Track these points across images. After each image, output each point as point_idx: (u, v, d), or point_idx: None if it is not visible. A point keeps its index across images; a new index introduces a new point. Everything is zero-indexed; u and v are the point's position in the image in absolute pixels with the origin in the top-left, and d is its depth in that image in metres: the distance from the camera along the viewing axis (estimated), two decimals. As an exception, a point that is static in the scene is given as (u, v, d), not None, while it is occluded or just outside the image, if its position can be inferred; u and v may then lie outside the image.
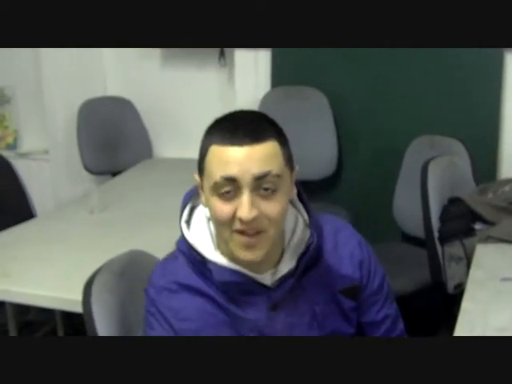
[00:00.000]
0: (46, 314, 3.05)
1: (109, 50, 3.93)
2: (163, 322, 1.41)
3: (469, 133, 3.17)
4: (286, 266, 1.40)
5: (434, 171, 2.57)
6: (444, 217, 2.50)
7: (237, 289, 1.38)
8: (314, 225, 1.43)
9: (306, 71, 3.51)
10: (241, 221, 1.28)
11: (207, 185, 1.33)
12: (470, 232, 2.41)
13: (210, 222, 1.42)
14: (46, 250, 2.42)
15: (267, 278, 1.40)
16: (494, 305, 1.85)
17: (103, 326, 1.56)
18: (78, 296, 2.05)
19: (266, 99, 3.56)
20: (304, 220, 1.45)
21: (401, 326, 1.59)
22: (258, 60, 3.64)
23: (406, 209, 3.13)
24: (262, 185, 1.29)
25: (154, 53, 3.88)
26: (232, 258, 1.38)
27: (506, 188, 2.58)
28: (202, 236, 1.42)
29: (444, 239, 2.46)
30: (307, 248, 1.40)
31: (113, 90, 4.06)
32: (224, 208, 1.30)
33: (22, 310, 2.81)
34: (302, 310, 1.43)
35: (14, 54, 3.83)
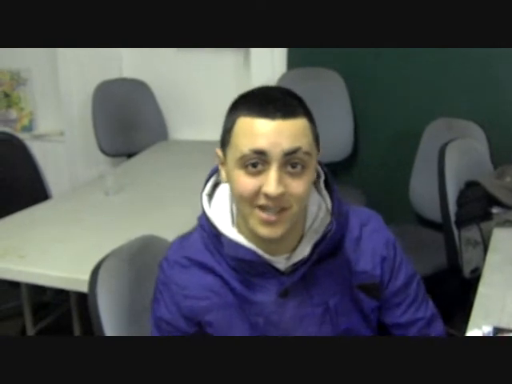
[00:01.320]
0: (61, 295, 3.06)
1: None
2: (169, 297, 1.40)
3: (487, 116, 3.14)
4: (302, 252, 1.35)
5: (452, 154, 2.55)
6: (461, 200, 2.48)
7: (248, 268, 1.34)
8: (336, 213, 1.36)
9: (322, 52, 3.48)
10: (266, 196, 1.23)
11: (232, 158, 1.27)
12: (487, 216, 2.39)
13: (228, 201, 1.40)
14: (61, 231, 2.43)
15: (281, 262, 1.35)
16: (510, 290, 1.83)
17: (107, 313, 1.55)
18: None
19: (281, 81, 3.54)
20: (327, 207, 1.39)
21: (438, 329, 1.50)
22: (274, 42, 3.62)
23: (422, 192, 3.12)
24: (290, 161, 1.24)
25: (170, 34, 3.86)
26: (249, 236, 1.34)
27: (525, 172, 2.55)
28: (221, 211, 1.39)
29: (461, 223, 2.44)
30: (324, 235, 1.34)
31: (128, 71, 4.06)
32: (249, 182, 1.25)
33: (38, 291, 2.82)
34: (315, 301, 1.37)
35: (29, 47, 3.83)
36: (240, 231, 1.36)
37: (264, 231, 1.27)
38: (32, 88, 4.18)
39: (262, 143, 1.22)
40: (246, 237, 1.35)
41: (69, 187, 3.81)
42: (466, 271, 2.39)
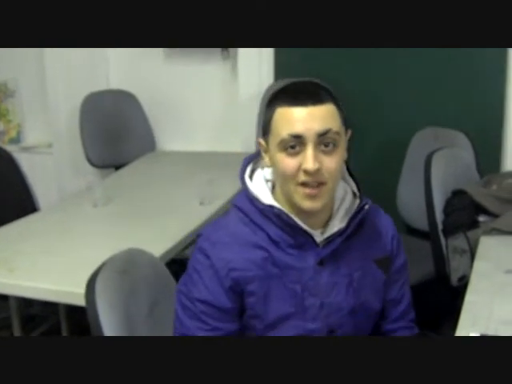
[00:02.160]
0: (49, 307, 3.05)
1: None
2: (210, 276, 1.51)
3: (473, 125, 3.16)
4: (335, 226, 1.54)
5: (438, 163, 2.56)
6: (448, 209, 2.50)
7: (290, 239, 1.52)
8: (362, 194, 1.59)
9: (309, 63, 3.50)
10: (305, 172, 1.44)
11: (274, 143, 1.48)
12: (474, 224, 2.40)
13: (268, 184, 1.58)
14: (49, 243, 2.42)
15: (317, 236, 1.54)
16: (498, 297, 1.84)
17: (107, 322, 1.57)
18: (81, 289, 2.05)
19: (269, 91, 3.55)
20: (352, 191, 1.61)
21: (413, 313, 1.73)
22: (261, 52, 3.64)
23: (409, 201, 3.13)
24: (323, 141, 1.45)
25: (157, 46, 3.88)
26: (289, 211, 1.52)
27: (510, 180, 2.57)
28: (262, 190, 1.56)
29: (448, 231, 2.45)
30: (359, 210, 1.55)
31: (116, 83, 4.06)
32: (290, 162, 1.45)
33: (26, 303, 2.82)
34: (343, 272, 1.56)
35: (17, 48, 3.83)
36: (282, 206, 1.54)
37: (307, 204, 1.47)
38: (20, 100, 4.17)
39: (298, 128, 1.44)
40: (289, 212, 1.53)
41: (57, 199, 3.81)
42: (454, 279, 2.41)
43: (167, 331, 1.65)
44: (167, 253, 2.33)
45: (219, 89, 3.89)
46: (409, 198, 3.13)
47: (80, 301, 2.05)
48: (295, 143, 1.44)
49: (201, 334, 1.51)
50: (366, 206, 1.56)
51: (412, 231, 3.13)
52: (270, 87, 3.57)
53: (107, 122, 3.85)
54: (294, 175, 1.46)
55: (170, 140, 4.00)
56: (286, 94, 1.50)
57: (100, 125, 3.82)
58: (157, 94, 3.98)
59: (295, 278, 1.52)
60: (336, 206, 1.57)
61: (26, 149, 4.15)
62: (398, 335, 1.68)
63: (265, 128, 1.52)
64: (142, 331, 1.66)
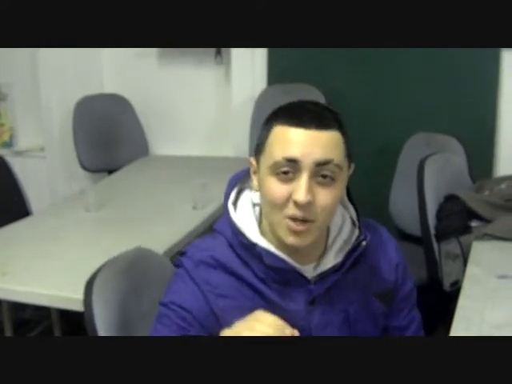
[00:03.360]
0: (42, 311, 3.05)
1: (106, 48, 3.93)
2: (197, 291, 1.36)
3: (465, 130, 3.17)
4: (330, 261, 1.39)
5: (431, 169, 2.57)
6: (440, 214, 2.51)
7: (277, 277, 1.36)
8: (362, 224, 1.42)
9: (302, 68, 3.51)
10: (295, 204, 1.27)
11: (265, 165, 1.32)
12: (467, 229, 2.41)
13: (256, 208, 1.42)
14: (42, 247, 2.42)
15: (309, 271, 1.38)
16: (490, 302, 1.85)
17: (103, 324, 1.55)
18: (74, 294, 2.05)
19: (262, 96, 3.57)
20: (351, 219, 1.45)
21: (422, 332, 1.59)
22: (254, 57, 3.64)
23: (402, 206, 3.14)
24: (321, 172, 1.28)
25: (151, 50, 3.88)
26: (278, 246, 1.36)
27: (503, 186, 2.58)
28: (248, 220, 1.40)
29: (440, 236, 2.46)
30: (357, 245, 1.39)
31: (109, 87, 4.06)
32: (280, 189, 1.28)
33: (18, 308, 2.81)
34: (337, 309, 1.41)
35: (10, 51, 3.81)
36: (268, 240, 1.38)
37: (292, 240, 1.30)
38: (12, 104, 4.16)
39: (294, 152, 1.27)
40: (276, 246, 1.37)
41: (49, 203, 3.80)
42: (446, 284, 2.41)
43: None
44: (160, 257, 2.33)
45: (212, 94, 3.89)
46: (401, 203, 3.14)
47: (72, 305, 2.05)
48: (289, 169, 1.27)
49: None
50: (364, 243, 1.40)
51: (405, 236, 3.13)
52: (264, 92, 3.58)
53: (100, 126, 3.85)
54: (282, 205, 1.29)
55: (163, 144, 4.01)
56: (288, 112, 1.33)
57: (93, 129, 3.82)
58: (150, 99, 3.99)
59: (286, 317, 1.29)
60: (332, 237, 1.42)
61: (19, 153, 4.14)
62: None
63: (258, 146, 1.36)
64: (141, 328, 1.60)
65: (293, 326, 1.30)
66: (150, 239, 2.44)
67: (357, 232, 1.42)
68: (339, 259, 1.39)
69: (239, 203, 1.44)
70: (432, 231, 2.49)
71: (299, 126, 1.28)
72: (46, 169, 4.03)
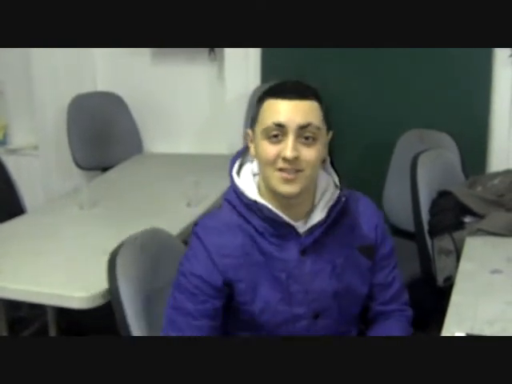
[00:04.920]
0: (37, 309, 3.05)
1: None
2: (205, 257, 1.61)
3: (458, 127, 3.18)
4: (317, 216, 1.65)
5: (424, 164, 2.58)
6: (433, 210, 2.51)
7: (273, 230, 1.62)
8: (347, 192, 1.68)
9: (296, 66, 3.51)
10: (284, 159, 1.55)
11: (259, 131, 1.60)
12: (460, 225, 2.42)
13: (255, 178, 1.68)
14: (36, 245, 2.42)
15: (300, 226, 1.64)
16: (483, 297, 1.85)
17: (127, 297, 1.72)
18: (69, 291, 2.06)
19: (255, 93, 3.56)
20: (334, 183, 1.71)
21: (406, 296, 1.82)
22: (247, 55, 3.65)
23: (395, 202, 3.15)
24: (303, 134, 1.56)
25: (145, 48, 3.88)
26: (272, 203, 1.62)
27: (495, 181, 2.59)
28: (248, 184, 1.67)
29: (434, 232, 2.47)
30: (338, 201, 1.65)
31: (103, 85, 4.06)
32: (271, 149, 1.56)
33: (13, 306, 2.81)
34: (325, 259, 1.66)
35: (3, 49, 3.80)
36: (265, 200, 1.64)
37: (284, 188, 1.57)
38: (6, 101, 4.15)
39: (281, 118, 1.56)
40: (272, 205, 1.63)
41: (43, 201, 3.80)
42: (440, 280, 2.42)
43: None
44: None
45: (206, 91, 3.89)
46: (395, 198, 3.14)
47: (67, 303, 2.05)
48: (278, 132, 1.56)
49: (190, 306, 1.60)
50: (343, 198, 1.65)
51: (398, 232, 3.14)
52: (257, 89, 3.58)
53: (94, 124, 3.85)
54: (274, 161, 1.56)
55: (157, 142, 4.01)
56: (274, 88, 1.62)
57: (87, 127, 3.81)
58: (144, 96, 3.98)
59: (280, 267, 1.62)
60: (317, 198, 1.67)
61: (13, 151, 4.13)
62: (391, 317, 1.78)
63: (253, 119, 1.65)
64: (161, 299, 1.76)
65: (288, 274, 1.61)
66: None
67: (338, 193, 1.68)
68: (324, 214, 1.64)
69: (241, 173, 1.71)
70: (425, 227, 2.50)
71: (284, 98, 1.57)
72: (40, 167, 4.03)
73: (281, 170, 1.56)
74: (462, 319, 1.73)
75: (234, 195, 1.66)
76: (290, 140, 1.55)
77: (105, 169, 3.62)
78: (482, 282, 1.96)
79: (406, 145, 3.12)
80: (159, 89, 3.96)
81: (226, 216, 1.66)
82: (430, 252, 2.47)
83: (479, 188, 2.57)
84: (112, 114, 3.94)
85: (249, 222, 1.63)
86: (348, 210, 1.70)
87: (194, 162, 3.56)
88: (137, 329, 1.71)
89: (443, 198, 2.53)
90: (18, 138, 4.20)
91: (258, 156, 1.62)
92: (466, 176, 2.81)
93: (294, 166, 1.55)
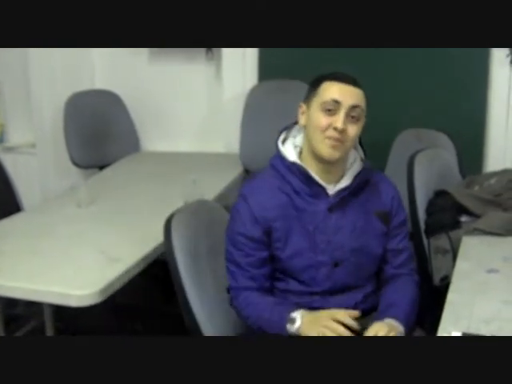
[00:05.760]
0: (33, 307, 3.05)
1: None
2: (247, 214, 1.95)
3: (455, 126, 3.18)
4: (345, 182, 1.97)
5: (421, 164, 2.58)
6: (430, 209, 2.52)
7: (308, 189, 1.94)
8: (370, 166, 2.03)
9: (293, 65, 3.51)
10: (334, 129, 1.87)
11: (317, 103, 1.92)
12: (456, 224, 2.42)
13: (297, 148, 2.01)
14: (33, 243, 2.42)
15: (330, 189, 1.96)
16: (479, 296, 1.86)
17: (180, 253, 1.97)
18: (65, 289, 2.06)
19: (253, 92, 3.57)
20: (361, 157, 2.04)
21: (414, 264, 2.13)
22: (245, 54, 3.65)
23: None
24: (352, 113, 1.89)
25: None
26: (312, 166, 1.95)
27: (492, 181, 2.59)
28: (290, 152, 2.00)
29: (430, 232, 2.47)
30: (361, 171, 1.99)
31: (100, 83, 4.06)
32: (325, 119, 1.88)
33: (10, 303, 2.81)
34: (348, 219, 1.97)
35: (1, 48, 3.82)
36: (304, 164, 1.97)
37: (329, 152, 1.89)
38: (3, 99, 4.15)
39: (339, 96, 1.88)
40: (310, 169, 1.96)
41: (40, 199, 3.80)
42: (436, 279, 2.42)
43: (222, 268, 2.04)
44: (151, 253, 2.33)
45: (203, 90, 3.89)
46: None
47: (64, 300, 2.06)
48: (333, 107, 1.88)
49: (240, 259, 1.95)
50: (366, 170, 2.00)
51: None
52: (254, 89, 3.59)
53: (91, 123, 3.84)
54: (325, 129, 1.88)
55: (154, 140, 4.01)
56: (333, 74, 1.94)
57: (84, 125, 3.81)
58: (141, 95, 3.99)
59: (309, 219, 1.94)
60: (347, 167, 2.00)
61: (10, 149, 4.13)
62: (401, 280, 2.04)
63: (309, 94, 1.97)
64: (210, 257, 2.10)
65: (315, 226, 1.93)
66: (141, 234, 2.45)
67: (363, 165, 2.02)
68: (350, 181, 1.97)
69: (285, 144, 2.02)
70: (422, 226, 2.50)
71: (342, 82, 1.91)
72: (37, 165, 4.03)
73: (329, 137, 1.88)
74: (458, 318, 1.73)
75: (278, 160, 1.99)
76: (342, 114, 1.87)
77: (102, 167, 3.62)
78: (479, 282, 1.96)
79: (402, 144, 3.12)
80: (157, 88, 3.96)
81: (270, 179, 1.98)
82: (427, 251, 2.47)
83: (476, 187, 2.58)
84: (109, 112, 3.94)
85: (288, 182, 1.95)
86: (370, 181, 2.03)
87: (191, 161, 3.56)
88: (187, 280, 1.96)
89: (440, 198, 2.53)
90: (16, 136, 4.20)
91: (310, 124, 1.93)
92: (463, 175, 2.82)
93: (340, 136, 1.87)
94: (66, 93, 3.77)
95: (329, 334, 1.74)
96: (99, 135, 3.85)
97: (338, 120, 1.87)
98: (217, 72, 3.81)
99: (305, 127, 1.97)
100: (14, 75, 4.05)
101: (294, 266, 1.95)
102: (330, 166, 1.94)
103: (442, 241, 2.42)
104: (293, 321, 1.83)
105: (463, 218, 2.45)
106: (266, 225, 1.94)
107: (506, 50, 3.22)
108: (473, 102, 3.32)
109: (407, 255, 2.08)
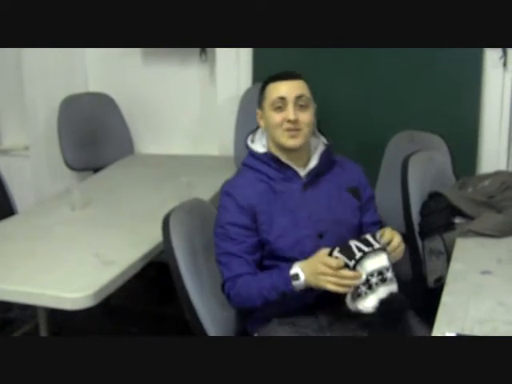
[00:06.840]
0: (28, 310, 3.04)
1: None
2: (233, 204, 2.10)
3: (449, 128, 3.19)
4: (312, 163, 2.18)
5: (415, 166, 2.59)
6: (424, 211, 2.52)
7: (282, 175, 2.14)
8: (330, 143, 2.24)
9: (287, 67, 3.51)
10: (288, 121, 2.08)
11: (267, 105, 2.13)
12: (450, 226, 2.43)
13: (264, 147, 2.20)
14: (27, 246, 2.41)
15: (301, 171, 2.16)
16: (473, 297, 1.86)
17: (179, 250, 2.04)
18: (60, 292, 2.05)
19: (247, 95, 3.57)
20: (323, 142, 2.24)
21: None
22: (239, 55, 3.65)
23: (386, 203, 3.14)
24: (299, 102, 2.10)
25: (136, 49, 3.88)
26: (280, 156, 2.14)
27: (486, 183, 2.60)
28: (260, 149, 2.20)
29: (424, 233, 2.47)
30: (325, 151, 2.20)
31: (94, 86, 4.05)
32: (278, 116, 2.11)
33: (4, 307, 2.80)
34: (322, 194, 2.16)
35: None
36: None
37: (290, 142, 2.10)
38: (-4, 102, 4.16)
39: (282, 92, 2.11)
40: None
41: (34, 202, 3.79)
42: (430, 280, 2.43)
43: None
44: (145, 255, 2.33)
45: (197, 92, 3.90)
46: (386, 200, 3.14)
47: (58, 303, 2.05)
48: (281, 104, 2.10)
49: (233, 248, 2.06)
50: (329, 150, 2.21)
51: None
52: (249, 90, 3.59)
53: (85, 125, 3.84)
54: (280, 124, 2.10)
55: (148, 143, 4.01)
56: (274, 76, 2.16)
57: (78, 127, 3.81)
58: (135, 97, 3.98)
59: (288, 199, 2.12)
60: (312, 151, 2.22)
61: (3, 151, 4.13)
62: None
63: (260, 101, 2.19)
64: (204, 256, 2.17)
65: (295, 204, 2.11)
66: (136, 237, 2.45)
67: (326, 146, 2.24)
68: (317, 161, 2.19)
69: (254, 144, 2.23)
70: (416, 228, 2.50)
71: (282, 80, 2.13)
72: (31, 167, 4.03)
73: (287, 130, 2.09)
74: (452, 319, 1.73)
75: (250, 157, 2.20)
76: (290, 107, 2.09)
77: (96, 170, 3.62)
78: (473, 283, 1.97)
79: (396, 146, 3.12)
80: (150, 90, 3.96)
81: (246, 174, 2.18)
82: (421, 253, 2.48)
83: (469, 189, 2.58)
84: (103, 114, 3.93)
85: (263, 173, 2.15)
86: (336, 161, 2.24)
87: (186, 163, 3.56)
88: (187, 277, 2.02)
89: (434, 200, 2.54)
90: (9, 139, 4.20)
91: (268, 125, 2.15)
92: (457, 177, 2.82)
93: (295, 125, 2.09)
94: (59, 95, 3.77)
95: (330, 279, 1.87)
96: (93, 138, 3.85)
97: (289, 113, 2.09)
98: (211, 74, 3.81)
99: (266, 128, 2.19)
100: (7, 77, 4.05)
101: (283, 244, 2.08)
102: (297, 153, 2.15)
103: (435, 242, 2.42)
104: (296, 277, 1.93)
105: (457, 220, 2.45)
106: (251, 211, 2.10)
107: (499, 52, 3.23)
108: (466, 104, 3.33)
109: (381, 226, 2.21)
